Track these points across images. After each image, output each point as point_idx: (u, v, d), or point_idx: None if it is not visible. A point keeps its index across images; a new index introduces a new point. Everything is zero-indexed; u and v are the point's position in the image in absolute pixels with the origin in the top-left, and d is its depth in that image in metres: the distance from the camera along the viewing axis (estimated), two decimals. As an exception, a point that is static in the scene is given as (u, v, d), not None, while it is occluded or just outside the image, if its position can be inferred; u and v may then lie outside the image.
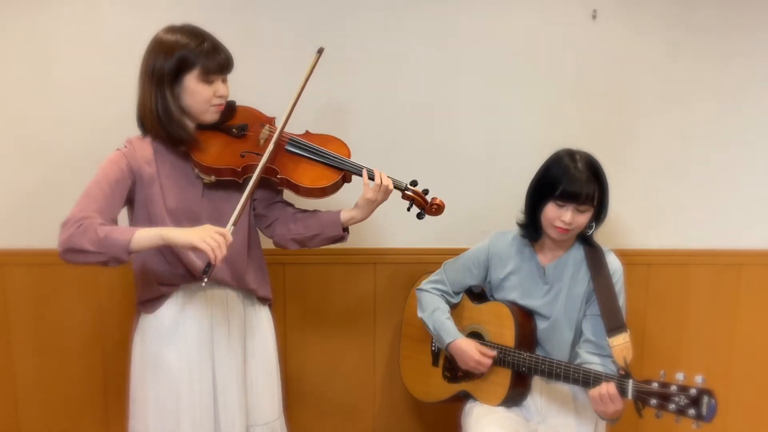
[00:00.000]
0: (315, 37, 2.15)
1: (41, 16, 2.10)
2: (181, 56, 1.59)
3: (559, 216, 1.74)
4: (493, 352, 1.82)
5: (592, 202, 1.74)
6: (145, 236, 1.50)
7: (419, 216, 1.79)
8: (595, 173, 1.74)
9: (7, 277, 2.21)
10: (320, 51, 1.79)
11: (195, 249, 1.47)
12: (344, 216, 1.76)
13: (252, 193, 1.63)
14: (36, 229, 2.20)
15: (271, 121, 1.80)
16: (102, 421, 2.31)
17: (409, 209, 1.80)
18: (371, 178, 1.71)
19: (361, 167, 1.72)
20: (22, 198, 2.19)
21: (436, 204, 1.78)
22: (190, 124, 1.69)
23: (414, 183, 1.79)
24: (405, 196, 1.78)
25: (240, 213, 1.57)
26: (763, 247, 2.33)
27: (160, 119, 1.62)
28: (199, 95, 1.63)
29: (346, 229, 1.79)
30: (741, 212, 2.33)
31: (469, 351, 1.82)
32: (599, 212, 1.80)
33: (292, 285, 2.29)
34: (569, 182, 1.71)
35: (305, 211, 1.85)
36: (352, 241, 2.23)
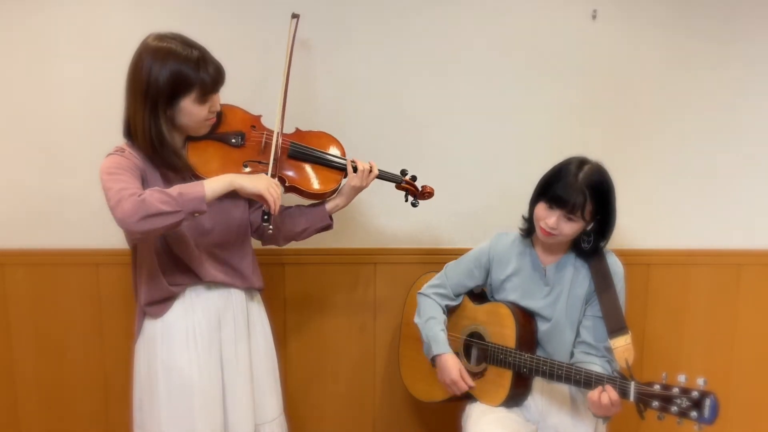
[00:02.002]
0: (314, 36, 2.15)
1: (41, 15, 2.10)
2: (176, 72, 1.54)
3: (545, 217, 1.74)
4: (472, 384, 1.83)
5: (583, 213, 1.70)
6: (216, 185, 1.53)
7: (414, 204, 1.94)
8: (594, 187, 1.70)
9: (7, 277, 2.21)
10: (295, 16, 1.78)
11: (261, 197, 1.57)
12: (329, 206, 1.86)
13: (278, 155, 1.71)
14: (36, 229, 2.20)
15: (258, 120, 1.80)
16: (102, 421, 2.31)
17: (406, 200, 1.94)
18: (354, 168, 1.82)
19: (345, 162, 1.83)
20: (22, 198, 2.18)
21: (427, 191, 1.94)
22: (181, 139, 1.68)
23: (404, 173, 1.92)
24: (400, 187, 1.92)
25: (275, 166, 1.69)
26: (763, 247, 2.34)
27: (153, 145, 1.59)
28: (195, 116, 1.62)
29: (331, 218, 1.88)
30: (741, 212, 2.33)
31: (451, 370, 1.83)
32: (603, 229, 1.78)
33: (292, 285, 2.29)
34: (561, 187, 1.71)
35: (289, 207, 1.89)
36: (352, 241, 2.25)
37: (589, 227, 1.77)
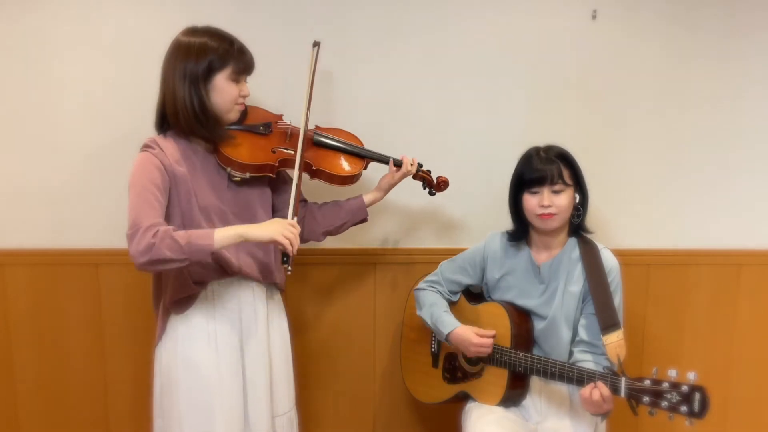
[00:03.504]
0: (314, 35, 2.15)
1: (42, 15, 2.11)
2: (211, 60, 1.64)
3: (538, 203, 1.77)
4: (492, 332, 1.83)
5: (564, 180, 1.76)
6: (225, 236, 1.56)
7: (431, 193, 2.01)
8: (561, 155, 1.79)
9: (7, 277, 2.22)
10: (316, 44, 1.87)
11: (275, 243, 1.58)
12: (368, 200, 1.95)
13: (300, 182, 1.74)
14: (36, 229, 2.20)
15: (279, 118, 1.88)
16: (102, 421, 2.32)
17: (424, 188, 2.01)
18: (396, 164, 1.92)
19: (386, 156, 1.93)
20: (22, 198, 2.19)
21: (442, 180, 2.00)
22: None
23: (420, 165, 1.98)
24: (416, 177, 1.98)
25: (296, 202, 1.69)
26: (763, 247, 2.33)
27: (198, 116, 1.66)
28: (227, 94, 1.69)
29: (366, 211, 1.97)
30: (741, 212, 2.32)
31: (468, 336, 1.83)
32: (583, 199, 1.82)
33: (292, 285, 2.29)
34: (533, 170, 1.77)
35: (326, 203, 1.96)
36: (353, 241, 2.25)
37: (576, 200, 1.81)
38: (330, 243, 2.21)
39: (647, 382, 1.51)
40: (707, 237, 2.32)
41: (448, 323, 1.88)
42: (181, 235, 1.53)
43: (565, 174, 1.77)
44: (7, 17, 2.10)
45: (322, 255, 2.26)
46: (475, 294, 2.03)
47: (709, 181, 2.30)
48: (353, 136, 1.95)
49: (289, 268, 1.62)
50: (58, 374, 2.27)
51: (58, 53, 2.12)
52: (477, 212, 2.27)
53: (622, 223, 2.30)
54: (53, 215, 2.20)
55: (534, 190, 1.78)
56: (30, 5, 2.10)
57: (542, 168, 1.76)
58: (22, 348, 2.25)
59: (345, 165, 1.88)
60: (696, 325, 2.35)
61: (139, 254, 1.51)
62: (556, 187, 1.76)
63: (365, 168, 1.92)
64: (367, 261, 2.30)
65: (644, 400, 1.50)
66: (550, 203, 1.76)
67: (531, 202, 1.79)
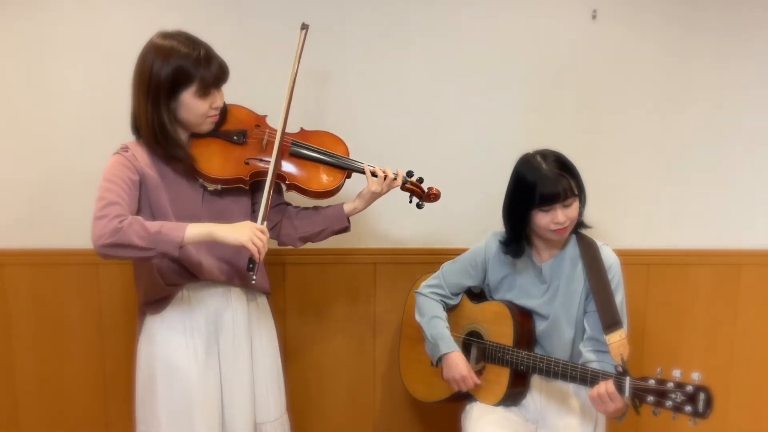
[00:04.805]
0: (313, 34, 2.15)
1: (41, 16, 2.11)
2: (178, 67, 1.57)
3: (551, 219, 1.73)
4: (479, 381, 1.85)
5: (574, 192, 1.74)
6: (196, 233, 1.52)
7: (419, 206, 1.90)
8: (564, 165, 1.74)
9: (7, 277, 2.22)
10: (305, 27, 1.76)
11: (243, 248, 1.53)
12: (347, 208, 1.84)
13: (271, 192, 1.66)
14: (36, 229, 2.20)
15: (263, 119, 1.80)
16: (102, 421, 2.31)
17: (410, 201, 1.90)
18: (374, 174, 1.79)
19: (363, 165, 1.80)
20: (22, 198, 2.19)
21: (433, 193, 1.89)
22: (185, 135, 1.69)
23: (410, 174, 1.88)
24: (404, 188, 1.87)
25: (267, 206, 1.62)
26: (763, 247, 2.33)
27: (156, 135, 1.61)
28: (196, 110, 1.63)
29: (348, 220, 1.86)
30: (741, 212, 2.32)
31: (461, 367, 1.85)
32: (580, 198, 1.81)
33: (292, 285, 2.29)
34: (543, 186, 1.71)
35: (307, 208, 1.89)
36: (352, 241, 2.25)
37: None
38: (330, 243, 2.21)
39: (652, 382, 1.51)
40: (707, 237, 2.33)
41: (448, 342, 1.89)
42: (152, 224, 1.50)
43: (573, 186, 1.74)
44: (8, 20, 2.10)
45: (322, 255, 2.26)
46: (476, 293, 2.03)
47: (709, 181, 2.30)
48: (338, 141, 1.84)
49: (254, 276, 1.57)
50: (58, 374, 2.27)
51: (58, 54, 2.12)
52: (475, 212, 2.27)
53: (622, 223, 2.30)
54: (53, 215, 2.20)
55: (546, 208, 1.73)
56: (30, 8, 2.10)
57: (555, 186, 1.70)
58: (22, 348, 2.25)
59: (323, 178, 1.78)
60: (696, 325, 2.35)
61: (105, 236, 1.46)
62: (568, 202, 1.73)
63: (348, 177, 1.82)
64: (366, 261, 2.30)
65: (648, 399, 1.50)
66: (564, 219, 1.73)
67: (544, 219, 1.75)
